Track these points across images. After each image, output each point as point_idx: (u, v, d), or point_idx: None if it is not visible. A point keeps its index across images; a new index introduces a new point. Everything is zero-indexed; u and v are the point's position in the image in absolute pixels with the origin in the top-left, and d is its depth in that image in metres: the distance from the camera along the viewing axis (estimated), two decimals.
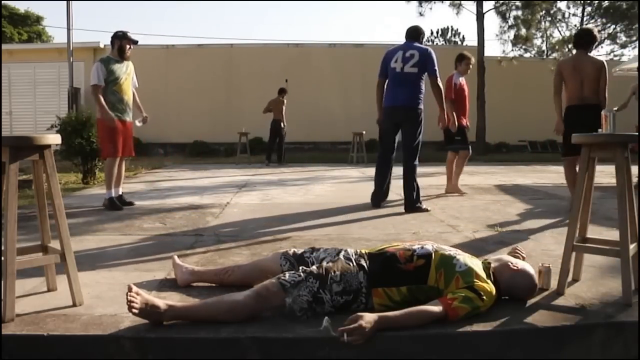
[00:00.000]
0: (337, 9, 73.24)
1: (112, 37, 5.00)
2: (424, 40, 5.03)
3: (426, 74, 4.73)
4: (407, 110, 4.73)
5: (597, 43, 4.72)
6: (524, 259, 2.44)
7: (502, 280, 2.12)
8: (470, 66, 6.05)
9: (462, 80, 5.95)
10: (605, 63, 4.49)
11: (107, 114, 4.79)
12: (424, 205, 4.79)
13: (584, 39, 4.60)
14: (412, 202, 4.73)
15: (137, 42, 5.08)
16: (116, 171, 4.96)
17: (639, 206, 2.30)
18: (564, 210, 4.62)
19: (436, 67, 4.71)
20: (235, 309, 1.93)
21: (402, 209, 4.80)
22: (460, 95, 5.93)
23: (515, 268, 2.13)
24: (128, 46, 4.99)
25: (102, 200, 5.17)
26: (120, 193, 5.13)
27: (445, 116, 5.07)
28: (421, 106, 4.77)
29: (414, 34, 4.92)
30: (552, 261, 2.53)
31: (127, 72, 5.04)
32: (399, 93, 4.72)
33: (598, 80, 4.45)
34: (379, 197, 4.99)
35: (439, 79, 4.75)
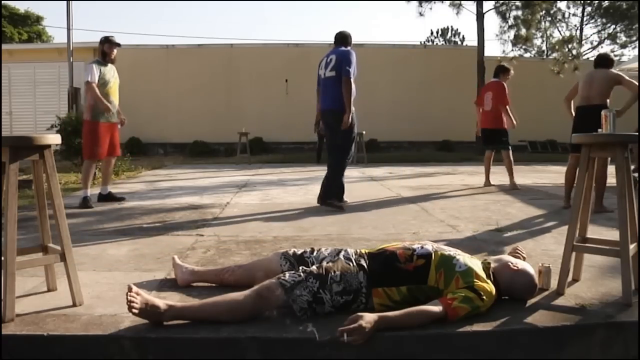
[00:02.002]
0: (337, 9, 73.24)
1: (99, 43, 5.16)
2: (351, 42, 5.00)
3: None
4: (332, 113, 4.84)
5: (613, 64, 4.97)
6: (524, 259, 2.44)
7: (502, 280, 2.12)
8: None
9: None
10: (622, 74, 4.77)
11: (105, 104, 4.93)
12: (342, 203, 4.87)
13: (597, 60, 4.97)
14: (326, 196, 4.86)
15: (119, 44, 5.20)
16: (93, 171, 5.21)
17: (639, 206, 2.30)
18: (564, 210, 4.62)
19: (350, 68, 4.67)
20: (235, 309, 1.93)
21: (402, 210, 4.80)
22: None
23: (515, 268, 2.14)
24: (112, 50, 5.13)
25: (103, 200, 5.23)
26: (109, 191, 5.36)
27: (349, 119, 4.70)
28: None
29: (340, 39, 5.00)
30: (552, 261, 2.53)
31: (114, 76, 5.18)
32: (324, 98, 4.92)
33: (607, 86, 4.70)
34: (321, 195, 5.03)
35: (351, 79, 4.67)
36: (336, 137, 4.85)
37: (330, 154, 4.98)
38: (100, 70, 5.01)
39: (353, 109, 4.77)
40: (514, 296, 2.14)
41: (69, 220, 2.28)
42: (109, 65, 5.14)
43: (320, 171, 8.13)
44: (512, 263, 2.16)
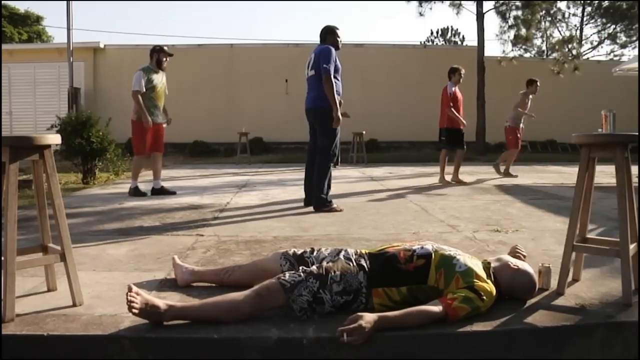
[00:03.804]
0: (337, 9, 73.20)
1: (151, 51, 5.78)
2: (335, 36, 4.81)
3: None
4: (313, 112, 4.84)
5: None
6: (524, 258, 2.44)
7: (502, 280, 2.12)
8: (462, 75, 7.19)
9: (455, 89, 7.09)
10: None
11: (146, 117, 5.52)
12: (335, 204, 4.74)
13: None
14: (320, 202, 4.69)
15: (172, 54, 5.87)
16: (142, 166, 5.82)
17: (639, 206, 2.30)
18: (564, 210, 4.62)
19: (327, 64, 4.55)
20: (235, 309, 1.93)
21: (402, 210, 4.80)
22: (454, 102, 7.03)
23: (516, 268, 2.14)
24: (165, 58, 5.76)
25: (103, 200, 5.31)
26: (161, 185, 5.98)
27: (337, 115, 4.63)
28: (330, 105, 4.64)
29: (322, 35, 4.87)
30: (552, 261, 2.53)
31: (162, 82, 5.81)
32: (307, 97, 4.92)
33: None
34: (307, 198, 4.93)
35: (330, 76, 4.55)
36: (319, 138, 4.79)
37: (317, 155, 4.80)
38: (148, 77, 5.59)
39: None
40: (514, 296, 2.14)
41: (69, 220, 2.28)
42: (160, 72, 5.76)
43: None
44: (512, 263, 2.16)
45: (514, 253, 2.47)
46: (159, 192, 5.87)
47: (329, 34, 4.84)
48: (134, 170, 5.82)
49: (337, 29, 4.89)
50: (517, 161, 12.44)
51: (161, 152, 5.94)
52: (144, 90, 5.54)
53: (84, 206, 5.02)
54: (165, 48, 5.80)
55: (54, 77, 15.30)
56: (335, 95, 4.62)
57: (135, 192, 5.69)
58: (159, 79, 5.74)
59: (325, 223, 4.10)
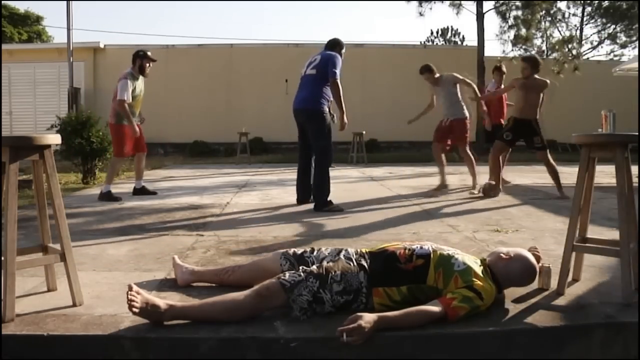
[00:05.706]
0: (337, 9, 73.24)
1: (134, 56, 5.56)
2: (342, 49, 4.95)
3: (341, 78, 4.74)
4: (304, 112, 4.81)
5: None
6: (539, 258, 2.39)
7: (498, 273, 2.11)
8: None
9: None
10: None
11: (134, 126, 5.40)
12: (335, 204, 4.75)
13: None
14: (321, 203, 4.71)
15: (155, 60, 5.67)
16: (119, 168, 5.71)
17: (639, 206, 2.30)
18: (564, 210, 4.62)
19: (335, 69, 4.65)
20: (235, 308, 1.93)
21: (402, 210, 4.80)
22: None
23: (507, 257, 2.13)
24: (148, 64, 5.57)
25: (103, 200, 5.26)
26: (143, 185, 5.91)
27: (345, 118, 4.86)
28: (321, 107, 4.72)
29: (330, 44, 4.96)
30: (552, 261, 2.53)
31: (142, 89, 5.63)
32: (298, 95, 4.88)
33: None
34: (300, 197, 4.99)
35: (337, 80, 4.65)
36: (312, 137, 4.78)
37: (314, 156, 4.86)
38: (134, 85, 5.42)
39: (323, 108, 4.71)
40: (514, 285, 2.15)
41: (69, 220, 2.28)
42: (141, 77, 5.56)
43: None
44: (503, 253, 2.16)
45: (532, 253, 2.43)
46: (140, 192, 5.80)
47: (337, 46, 4.94)
48: (109, 173, 5.59)
49: (342, 43, 5.02)
50: (517, 161, 12.44)
51: (144, 152, 5.80)
52: (131, 100, 5.38)
53: (84, 206, 5.02)
54: (149, 54, 5.62)
55: (54, 77, 15.30)
56: (342, 99, 4.70)
57: (108, 197, 5.35)
58: (141, 87, 5.59)
59: (325, 223, 4.10)
